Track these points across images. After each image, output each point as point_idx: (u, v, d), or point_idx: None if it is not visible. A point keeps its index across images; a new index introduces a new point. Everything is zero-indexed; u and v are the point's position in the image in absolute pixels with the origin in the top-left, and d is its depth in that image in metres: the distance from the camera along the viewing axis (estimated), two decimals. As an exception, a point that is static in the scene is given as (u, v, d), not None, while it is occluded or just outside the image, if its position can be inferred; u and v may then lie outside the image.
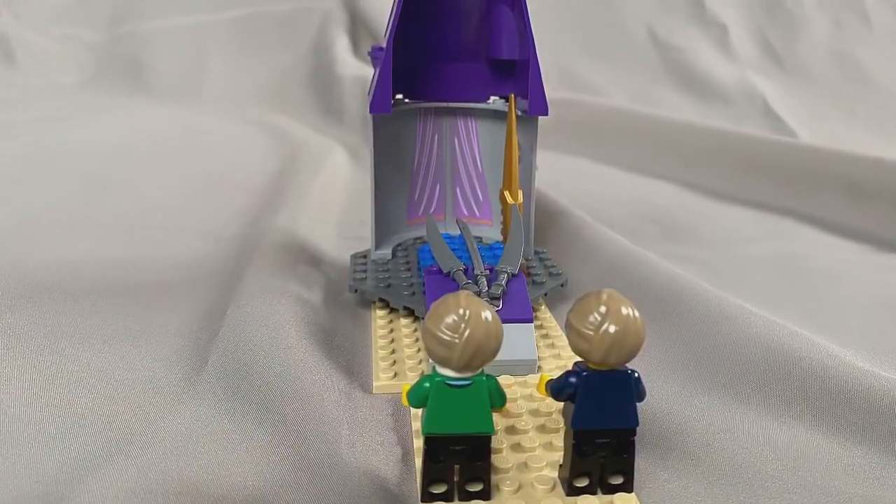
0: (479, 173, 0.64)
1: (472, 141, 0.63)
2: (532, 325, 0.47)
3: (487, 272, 0.49)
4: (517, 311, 0.47)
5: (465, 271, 0.49)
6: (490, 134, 0.63)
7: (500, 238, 0.60)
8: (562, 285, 0.57)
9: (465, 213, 0.65)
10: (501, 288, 0.48)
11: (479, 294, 0.47)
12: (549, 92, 0.54)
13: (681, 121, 1.08)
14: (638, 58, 1.30)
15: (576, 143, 1.08)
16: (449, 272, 0.49)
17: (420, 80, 0.60)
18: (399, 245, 0.62)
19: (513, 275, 0.49)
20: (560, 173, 0.90)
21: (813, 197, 0.86)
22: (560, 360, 0.48)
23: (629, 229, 0.76)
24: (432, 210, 0.65)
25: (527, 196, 0.59)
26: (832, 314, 0.58)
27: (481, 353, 0.32)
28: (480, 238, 0.63)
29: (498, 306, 0.47)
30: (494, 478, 0.36)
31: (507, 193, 0.56)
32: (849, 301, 0.60)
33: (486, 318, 0.33)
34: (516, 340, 0.46)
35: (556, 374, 0.36)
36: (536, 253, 0.61)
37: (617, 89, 1.24)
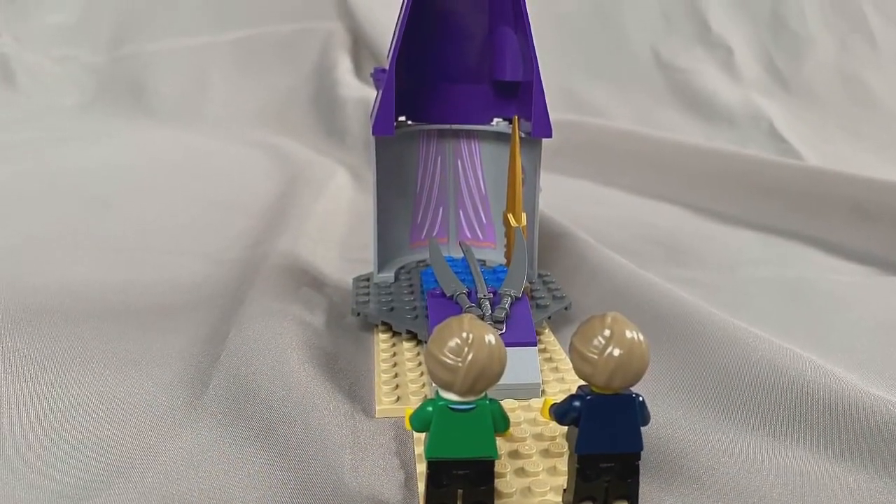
0: (482, 196, 0.65)
1: (475, 163, 0.64)
2: (536, 348, 0.48)
3: (491, 295, 0.50)
4: (521, 334, 0.48)
5: (469, 294, 0.50)
6: (493, 156, 0.63)
7: (504, 261, 0.61)
8: (566, 308, 0.57)
9: (469, 235, 0.65)
10: (505, 311, 0.48)
11: (482, 317, 0.47)
12: (553, 113, 0.55)
13: (685, 143, 1.09)
14: (642, 79, 1.31)
15: (579, 166, 1.09)
16: (452, 295, 0.50)
17: (423, 103, 0.61)
18: (402, 268, 0.62)
19: (516, 298, 0.50)
20: (563, 195, 0.91)
21: (818, 219, 0.87)
22: (564, 383, 0.49)
23: (633, 252, 0.77)
24: (435, 233, 0.65)
25: (530, 219, 0.59)
26: (838, 337, 0.58)
27: (484, 376, 0.33)
28: (484, 261, 0.64)
29: (501, 330, 0.47)
30: (498, 502, 0.36)
31: (510, 216, 0.57)
32: (855, 324, 0.60)
33: (489, 341, 0.33)
34: (520, 364, 0.46)
35: (559, 398, 0.36)
36: (540, 276, 0.62)
37: (621, 111, 1.25)
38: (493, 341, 0.33)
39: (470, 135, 0.63)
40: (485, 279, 0.54)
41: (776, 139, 1.22)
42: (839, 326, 0.60)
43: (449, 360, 0.33)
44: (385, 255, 0.62)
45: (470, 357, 0.32)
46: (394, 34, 0.55)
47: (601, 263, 0.65)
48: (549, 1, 1.11)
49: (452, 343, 0.33)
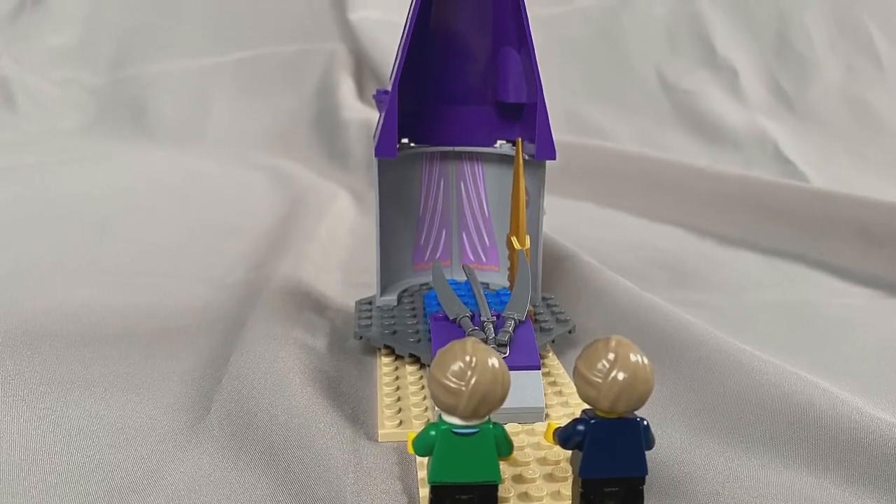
0: (485, 219, 0.65)
1: (478, 186, 0.65)
2: (539, 372, 0.48)
3: (494, 319, 0.50)
4: (524, 357, 0.48)
5: (472, 318, 0.50)
6: (497, 178, 0.64)
7: (507, 284, 0.61)
8: (570, 332, 0.58)
9: (472, 258, 0.66)
10: (508, 335, 0.48)
11: (485, 341, 0.47)
12: (557, 135, 0.56)
13: (690, 165, 1.10)
14: (647, 102, 1.32)
15: (583, 188, 1.09)
16: (455, 319, 0.50)
17: (426, 125, 0.62)
18: (405, 291, 0.63)
19: (520, 321, 0.50)
20: (567, 218, 0.91)
21: (824, 242, 0.87)
22: (568, 407, 0.49)
23: (638, 275, 0.77)
24: (438, 255, 0.66)
25: (534, 241, 0.60)
26: (843, 360, 0.58)
27: (488, 400, 0.33)
28: (487, 284, 0.64)
29: (505, 353, 0.48)
30: (501, 527, 0.37)
31: (514, 239, 0.57)
32: (860, 347, 0.61)
33: (492, 365, 0.34)
34: (523, 388, 0.47)
35: (564, 422, 0.37)
36: (544, 299, 0.62)
37: (625, 133, 1.26)
38: (497, 365, 0.34)
39: (473, 157, 0.64)
40: (488, 302, 0.54)
41: (781, 161, 1.23)
42: (845, 350, 0.61)
43: (452, 384, 0.33)
44: (388, 277, 0.62)
45: (473, 381, 0.33)
46: (396, 56, 0.56)
47: (605, 287, 0.66)
48: (554, 23, 1.12)
49: (455, 367, 0.33)
